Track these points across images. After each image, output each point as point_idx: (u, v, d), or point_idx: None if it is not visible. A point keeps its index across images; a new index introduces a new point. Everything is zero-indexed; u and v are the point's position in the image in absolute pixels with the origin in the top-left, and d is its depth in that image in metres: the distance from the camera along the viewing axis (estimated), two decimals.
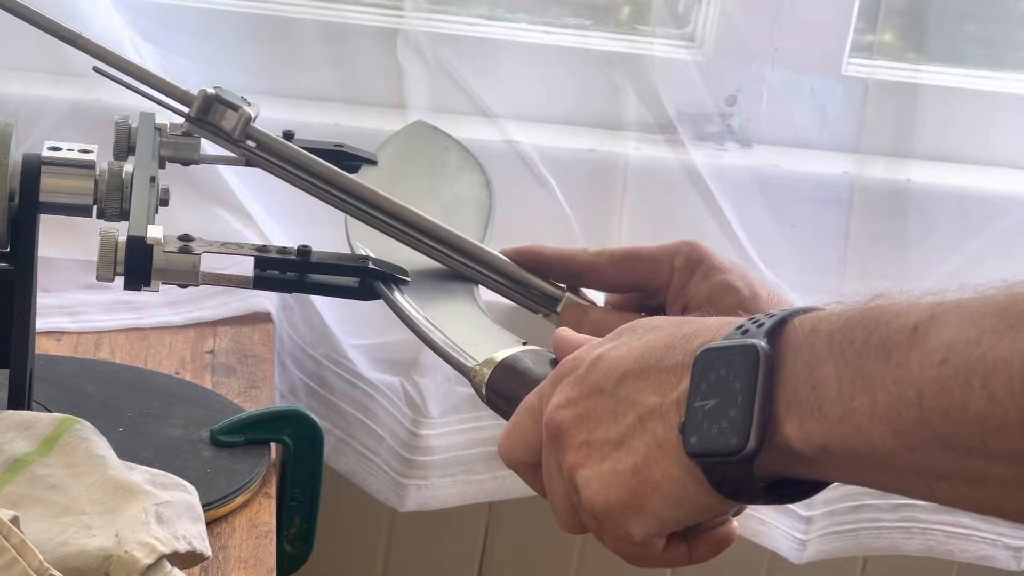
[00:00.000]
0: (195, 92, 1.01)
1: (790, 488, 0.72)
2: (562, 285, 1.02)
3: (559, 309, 1.01)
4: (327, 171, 1.02)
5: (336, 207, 1.02)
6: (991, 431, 0.61)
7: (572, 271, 1.02)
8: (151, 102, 1.03)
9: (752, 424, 0.68)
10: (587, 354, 0.77)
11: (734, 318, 0.73)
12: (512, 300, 1.03)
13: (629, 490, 0.73)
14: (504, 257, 1.02)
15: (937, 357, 0.63)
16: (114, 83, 1.38)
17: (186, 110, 1.01)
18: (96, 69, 1.01)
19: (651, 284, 1.00)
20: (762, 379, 0.68)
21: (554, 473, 0.77)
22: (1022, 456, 0.61)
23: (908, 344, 0.64)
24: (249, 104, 1.01)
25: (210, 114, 1.00)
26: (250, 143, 1.01)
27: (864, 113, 1.54)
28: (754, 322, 0.70)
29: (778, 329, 0.69)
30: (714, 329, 0.72)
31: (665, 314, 0.99)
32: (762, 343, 0.69)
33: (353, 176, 1.02)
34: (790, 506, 1.49)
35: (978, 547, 1.53)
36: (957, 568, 1.58)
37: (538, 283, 1.02)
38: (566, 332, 0.85)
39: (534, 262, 1.02)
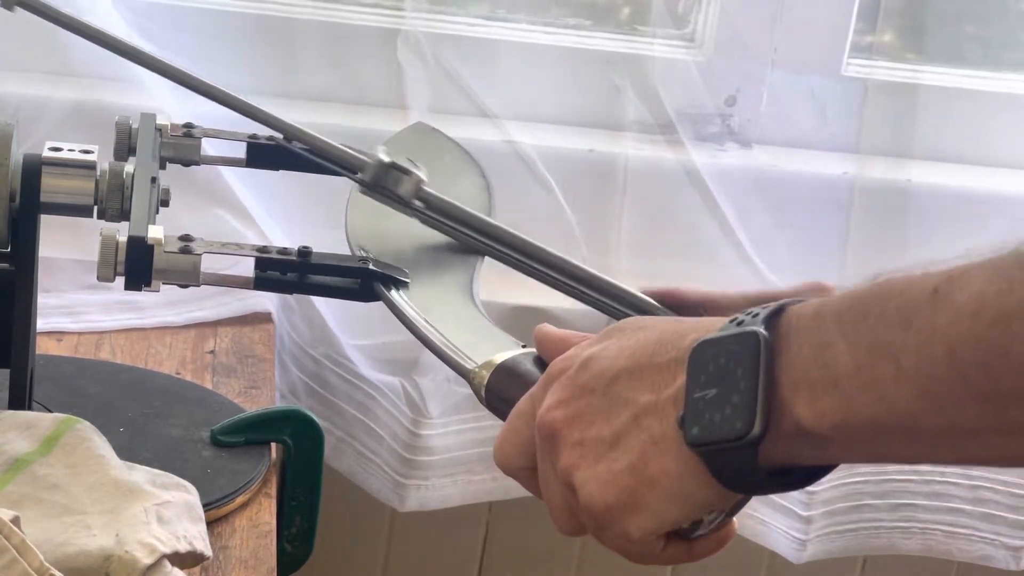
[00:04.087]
0: (369, 159, 1.05)
1: (789, 477, 0.72)
2: None
3: None
4: (493, 228, 1.05)
5: (502, 261, 1.05)
6: None
7: (714, 312, 1.02)
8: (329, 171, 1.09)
9: (757, 408, 0.68)
10: (577, 355, 0.77)
11: (724, 317, 0.73)
12: None
13: (627, 489, 0.73)
14: (653, 301, 1.03)
15: (968, 310, 0.62)
16: (114, 84, 1.39)
17: (360, 176, 1.05)
18: (284, 142, 1.09)
19: None
20: (764, 363, 0.68)
21: (549, 476, 0.77)
22: None
23: (930, 306, 0.64)
24: (417, 167, 1.05)
25: (385, 180, 1.04)
26: (418, 203, 1.05)
27: (864, 113, 1.54)
28: (748, 314, 0.71)
29: (775, 318, 0.70)
30: (706, 326, 0.73)
31: None
32: (761, 330, 0.69)
33: (516, 231, 1.05)
34: (790, 506, 1.49)
35: (977, 547, 1.53)
36: (956, 568, 1.59)
37: None
38: (547, 328, 0.85)
39: (677, 304, 1.03)
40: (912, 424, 0.65)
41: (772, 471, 0.70)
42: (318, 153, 1.08)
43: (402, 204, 1.05)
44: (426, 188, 1.05)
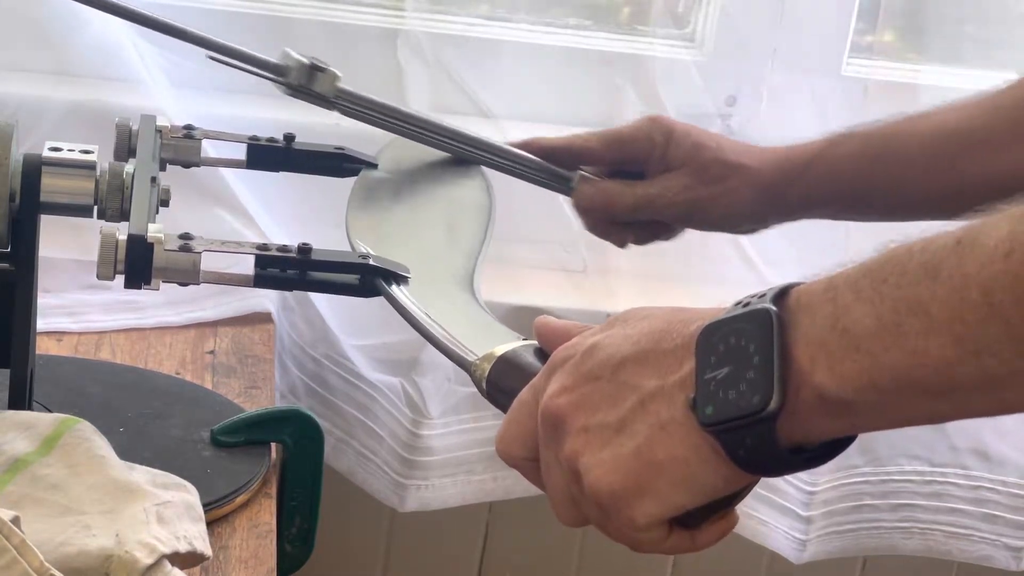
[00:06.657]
0: (284, 62, 1.13)
1: (806, 454, 0.71)
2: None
3: (574, 184, 1.20)
4: (405, 113, 1.18)
5: (416, 140, 1.18)
6: None
7: (573, 155, 1.20)
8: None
9: (774, 380, 0.68)
10: (581, 343, 0.77)
11: (728, 305, 0.73)
12: (533, 183, 1.21)
13: (633, 473, 0.72)
14: (519, 150, 1.20)
15: (1001, 251, 0.63)
16: (114, 84, 1.39)
17: (283, 80, 1.12)
18: (211, 57, 1.13)
19: (636, 157, 1.19)
20: (778, 336, 0.68)
21: (552, 464, 0.76)
22: None
23: (956, 256, 0.64)
24: (329, 65, 1.13)
25: (309, 81, 1.13)
26: (338, 99, 1.14)
27: (864, 113, 1.53)
28: (753, 296, 0.71)
29: (781, 297, 0.70)
30: (710, 313, 0.73)
31: (645, 179, 1.18)
32: (771, 306, 0.69)
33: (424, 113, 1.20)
34: (790, 506, 1.49)
35: (978, 547, 1.53)
36: (957, 568, 1.59)
37: (552, 167, 1.20)
38: (548, 319, 0.85)
39: (540, 151, 1.20)
40: (945, 374, 0.65)
41: (789, 449, 0.70)
42: (241, 59, 1.12)
43: (325, 102, 1.13)
44: (341, 84, 1.13)
